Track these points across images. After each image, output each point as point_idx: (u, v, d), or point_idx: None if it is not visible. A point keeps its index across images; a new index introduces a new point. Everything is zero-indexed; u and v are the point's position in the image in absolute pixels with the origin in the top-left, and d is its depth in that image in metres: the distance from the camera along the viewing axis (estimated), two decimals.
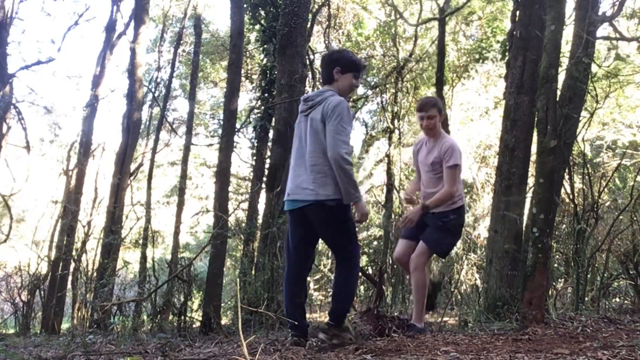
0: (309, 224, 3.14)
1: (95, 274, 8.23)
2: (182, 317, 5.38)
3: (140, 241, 10.96)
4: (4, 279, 9.42)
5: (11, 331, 8.41)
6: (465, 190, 12.44)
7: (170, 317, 5.88)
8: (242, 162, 15.34)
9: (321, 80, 3.36)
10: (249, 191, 11.71)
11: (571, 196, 5.95)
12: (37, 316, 9.08)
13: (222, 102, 9.71)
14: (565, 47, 5.68)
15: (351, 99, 16.14)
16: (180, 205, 12.55)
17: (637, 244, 4.82)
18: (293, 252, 3.24)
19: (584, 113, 5.59)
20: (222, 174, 6.57)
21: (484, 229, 10.57)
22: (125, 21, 12.76)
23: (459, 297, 9.62)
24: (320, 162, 3.03)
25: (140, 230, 12.27)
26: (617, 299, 5.76)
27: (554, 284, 4.98)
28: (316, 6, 11.14)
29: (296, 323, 3.11)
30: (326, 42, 12.56)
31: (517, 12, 5.81)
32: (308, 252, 3.28)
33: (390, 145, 12.96)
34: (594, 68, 5.74)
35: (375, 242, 13.60)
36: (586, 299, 4.90)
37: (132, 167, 12.36)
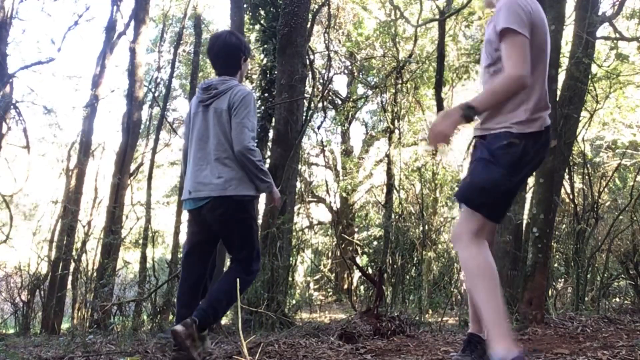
0: (209, 227, 2.87)
1: (95, 274, 8.23)
2: None
3: (140, 241, 10.96)
4: (4, 279, 9.43)
5: (11, 331, 8.41)
6: None
7: (170, 317, 5.88)
8: None
9: (217, 70, 3.01)
10: None
11: (571, 196, 5.95)
12: (37, 316, 9.07)
13: None
14: (565, 47, 5.67)
15: (351, 99, 16.16)
16: (180, 205, 12.55)
17: (637, 244, 4.83)
18: (191, 256, 2.93)
19: (584, 113, 5.59)
20: None
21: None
22: (125, 21, 12.76)
23: (459, 297, 9.61)
24: (230, 155, 2.79)
25: (140, 230, 12.27)
26: (617, 299, 5.76)
27: (554, 284, 4.98)
28: (316, 6, 11.14)
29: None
30: (326, 42, 12.56)
31: None
32: (206, 260, 2.95)
33: (390, 145, 12.96)
34: (594, 68, 5.74)
35: (375, 242, 13.60)
36: (586, 299, 4.90)
37: (132, 167, 12.37)
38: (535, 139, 2.02)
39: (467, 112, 1.95)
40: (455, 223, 2.41)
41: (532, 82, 2.02)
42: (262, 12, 10.71)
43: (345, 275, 14.33)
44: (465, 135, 12.57)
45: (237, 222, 2.84)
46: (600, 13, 5.11)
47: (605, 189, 7.17)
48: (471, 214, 2.02)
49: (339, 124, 16.65)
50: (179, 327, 2.53)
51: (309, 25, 9.47)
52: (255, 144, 2.83)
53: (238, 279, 2.47)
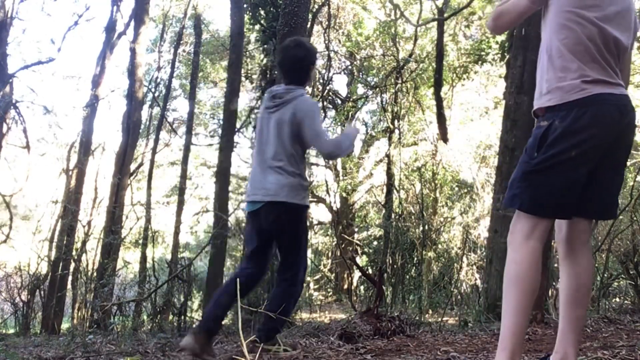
0: (265, 230, 2.91)
1: (95, 274, 8.23)
2: (182, 317, 5.38)
3: (140, 241, 10.96)
4: (4, 279, 9.42)
5: (11, 331, 8.41)
6: (465, 190, 12.46)
7: (170, 317, 5.88)
8: (242, 162, 15.36)
9: (284, 79, 3.06)
10: None
11: None
12: (37, 316, 9.07)
13: (222, 102, 9.71)
14: None
15: (351, 99, 16.16)
16: (180, 205, 12.57)
17: (637, 244, 4.83)
18: (251, 258, 2.97)
19: None
20: (222, 174, 6.58)
21: (484, 229, 10.57)
22: (125, 21, 12.77)
23: (459, 297, 9.61)
24: (285, 164, 2.86)
25: (140, 230, 12.27)
26: (617, 299, 5.76)
27: (554, 284, 4.97)
28: (316, 6, 11.14)
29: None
30: (326, 42, 12.56)
31: None
32: (263, 262, 2.99)
33: (390, 145, 12.96)
34: None
35: (375, 242, 13.60)
36: None
37: (132, 167, 12.37)
38: (560, 113, 1.77)
39: None
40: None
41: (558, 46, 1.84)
42: (262, 12, 10.71)
43: (345, 275, 14.33)
44: (465, 134, 12.59)
45: (286, 228, 2.89)
46: None
47: None
48: (516, 213, 1.84)
49: (339, 124, 16.66)
50: (185, 343, 2.63)
51: (309, 25, 9.47)
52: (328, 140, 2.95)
53: (284, 293, 2.83)
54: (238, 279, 2.52)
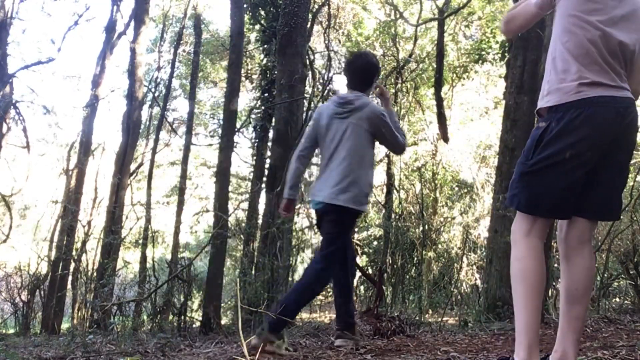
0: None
1: (95, 274, 8.23)
2: (182, 317, 5.38)
3: (140, 241, 10.97)
4: (4, 279, 9.43)
5: (11, 331, 8.41)
6: (465, 190, 12.46)
7: (170, 317, 5.88)
8: (242, 162, 15.36)
9: (349, 84, 3.24)
10: (249, 191, 11.71)
11: None
12: (37, 316, 9.08)
13: (222, 102, 9.71)
14: None
15: None
16: (180, 205, 12.56)
17: (637, 244, 4.83)
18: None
19: None
20: (222, 174, 6.57)
21: (484, 229, 10.57)
22: (125, 21, 12.77)
23: (459, 297, 9.62)
24: (353, 168, 2.99)
25: (140, 230, 12.28)
26: (617, 299, 5.76)
27: (554, 284, 4.97)
28: (316, 6, 11.13)
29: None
30: (326, 42, 12.56)
31: None
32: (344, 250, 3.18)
33: None
34: None
35: (375, 242, 13.59)
36: None
37: (132, 167, 12.37)
38: (557, 114, 1.79)
39: None
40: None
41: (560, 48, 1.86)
42: (262, 12, 10.72)
43: None
44: (465, 135, 12.60)
45: (335, 226, 3.02)
46: None
47: None
48: (517, 213, 1.89)
49: None
50: (255, 341, 2.75)
51: (309, 25, 9.48)
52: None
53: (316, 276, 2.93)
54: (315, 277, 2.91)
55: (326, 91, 12.27)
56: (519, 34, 5.35)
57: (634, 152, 1.92)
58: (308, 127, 3.36)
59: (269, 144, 9.34)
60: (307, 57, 8.94)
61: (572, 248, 1.88)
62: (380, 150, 16.12)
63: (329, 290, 15.69)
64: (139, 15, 10.67)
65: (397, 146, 3.19)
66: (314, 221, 3.36)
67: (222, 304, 7.24)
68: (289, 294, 3.03)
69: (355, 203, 2.95)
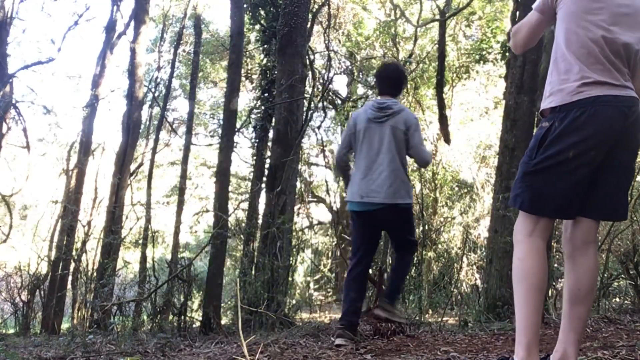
0: (379, 225, 3.41)
1: (95, 274, 8.23)
2: (182, 317, 5.38)
3: (140, 241, 10.96)
4: (4, 279, 9.43)
5: (11, 331, 8.41)
6: (465, 190, 12.45)
7: (170, 317, 5.88)
8: (242, 162, 15.36)
9: (382, 90, 3.48)
10: (249, 191, 11.71)
11: None
12: (37, 316, 9.08)
13: (222, 102, 9.71)
14: None
15: (351, 99, 16.16)
16: (180, 205, 12.55)
17: (637, 244, 4.83)
18: (362, 252, 3.43)
19: None
20: (222, 174, 6.57)
21: (484, 229, 10.57)
22: (125, 21, 12.77)
23: (459, 297, 9.61)
24: (398, 167, 3.27)
25: (140, 230, 12.27)
26: (617, 299, 5.76)
27: (554, 284, 4.97)
28: (316, 6, 11.13)
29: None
30: (326, 42, 12.56)
31: (517, 12, 5.82)
32: (373, 252, 3.53)
33: None
34: None
35: None
36: None
37: (132, 167, 12.37)
38: (560, 114, 1.78)
39: None
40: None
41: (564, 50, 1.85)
42: (262, 12, 10.72)
43: (345, 275, 14.31)
44: (465, 135, 12.60)
45: (404, 221, 3.40)
46: None
47: None
48: (520, 212, 1.90)
49: (339, 124, 16.64)
50: (380, 312, 3.30)
51: (309, 25, 9.47)
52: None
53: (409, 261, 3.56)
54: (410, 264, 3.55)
55: (326, 91, 12.26)
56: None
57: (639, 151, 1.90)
58: (344, 133, 3.57)
59: (269, 144, 9.34)
60: (307, 57, 8.93)
61: (577, 248, 1.87)
62: None
63: (329, 290, 15.67)
64: (139, 15, 10.67)
65: (423, 154, 3.40)
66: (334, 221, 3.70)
67: (222, 304, 7.23)
68: (396, 278, 3.51)
69: (410, 197, 3.31)
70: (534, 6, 1.98)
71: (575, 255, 1.87)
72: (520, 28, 2.05)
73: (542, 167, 1.79)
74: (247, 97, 14.87)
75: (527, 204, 1.83)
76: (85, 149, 11.94)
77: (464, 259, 10.26)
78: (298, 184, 10.27)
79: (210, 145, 16.96)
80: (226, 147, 6.54)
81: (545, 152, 1.78)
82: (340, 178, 3.61)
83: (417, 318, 4.55)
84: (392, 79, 3.47)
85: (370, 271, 3.98)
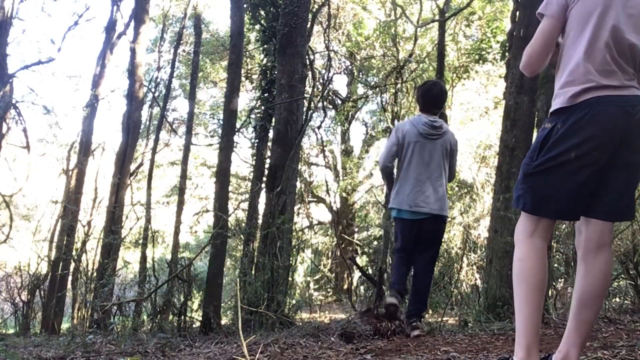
0: (420, 232, 3.66)
1: (95, 274, 8.23)
2: (182, 317, 5.38)
3: (140, 241, 10.96)
4: (4, 279, 9.43)
5: (11, 331, 8.42)
6: (465, 190, 12.45)
7: (170, 317, 5.88)
8: (242, 162, 15.36)
9: (427, 108, 3.75)
10: (249, 191, 11.71)
11: None
12: (37, 316, 9.08)
13: (222, 102, 9.71)
14: None
15: (351, 99, 16.17)
16: (180, 205, 12.55)
17: (637, 244, 4.83)
18: (408, 250, 3.70)
19: None
20: (222, 174, 6.57)
21: (484, 229, 10.57)
22: (125, 21, 12.77)
23: (459, 297, 9.61)
24: (444, 182, 3.65)
25: (140, 230, 12.26)
26: (617, 299, 5.76)
27: (554, 284, 4.97)
28: (316, 6, 11.13)
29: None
30: (326, 42, 12.56)
31: (517, 12, 5.82)
32: (414, 252, 3.75)
33: None
34: None
35: (375, 242, 13.60)
36: None
37: (132, 167, 12.37)
38: (563, 116, 1.77)
39: None
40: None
41: (567, 50, 1.84)
42: (262, 12, 10.71)
43: (345, 275, 14.33)
44: (465, 135, 12.59)
45: (440, 233, 3.76)
46: None
47: None
48: (521, 213, 1.89)
49: (339, 124, 16.65)
50: (417, 332, 3.39)
51: (309, 25, 9.47)
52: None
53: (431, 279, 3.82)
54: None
55: (326, 91, 12.26)
56: (520, 34, 5.35)
57: None
58: (390, 143, 3.78)
59: (269, 144, 9.33)
60: (307, 57, 8.94)
61: (591, 250, 1.84)
62: (380, 149, 16.12)
63: (329, 290, 15.66)
64: (139, 15, 10.67)
65: (454, 172, 3.87)
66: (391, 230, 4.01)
67: (222, 304, 7.23)
68: (420, 291, 3.67)
69: (448, 211, 3.74)
70: (546, 13, 1.88)
71: (589, 258, 1.84)
72: (532, 43, 1.91)
73: (543, 168, 1.78)
74: (247, 97, 14.88)
75: (529, 205, 1.82)
76: (85, 149, 11.94)
77: (464, 259, 10.26)
78: (298, 184, 10.27)
79: (210, 145, 16.96)
80: (226, 147, 6.54)
81: (547, 153, 1.77)
82: (385, 182, 3.97)
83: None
84: (438, 99, 3.78)
85: (370, 271, 4.05)
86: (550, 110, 1.86)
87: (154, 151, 13.00)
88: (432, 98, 3.74)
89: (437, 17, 9.45)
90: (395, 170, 3.81)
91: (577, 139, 1.73)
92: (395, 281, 3.67)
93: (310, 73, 10.39)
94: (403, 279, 3.71)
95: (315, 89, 10.96)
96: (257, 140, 10.87)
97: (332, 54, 12.92)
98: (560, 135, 1.75)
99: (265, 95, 10.50)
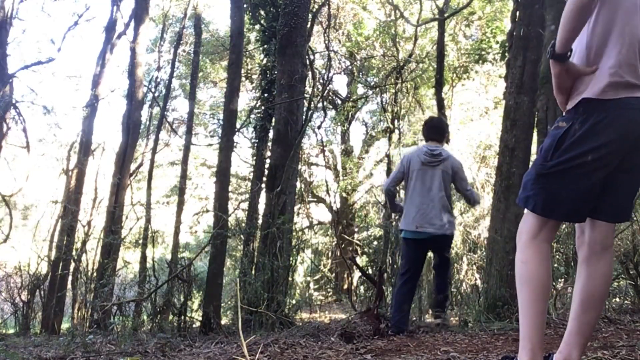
0: (427, 249, 4.13)
1: (95, 274, 8.23)
2: (182, 317, 5.38)
3: (140, 241, 10.96)
4: (4, 279, 9.43)
5: (11, 331, 8.41)
6: None
7: (170, 317, 5.88)
8: (242, 162, 15.36)
9: (429, 137, 4.21)
10: (249, 191, 11.71)
11: None
12: (37, 316, 9.07)
13: (222, 102, 9.71)
14: None
15: (351, 99, 16.17)
16: (180, 205, 12.55)
17: (637, 244, 4.83)
18: (412, 271, 4.03)
19: None
20: (222, 174, 6.57)
21: (484, 229, 10.57)
22: (125, 21, 12.76)
23: (459, 297, 9.61)
24: (446, 203, 4.03)
25: (140, 230, 12.27)
26: (617, 299, 5.76)
27: (554, 283, 4.97)
28: (316, 6, 11.13)
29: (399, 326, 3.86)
30: (326, 42, 12.56)
31: (517, 12, 5.82)
32: (419, 274, 4.18)
33: (390, 145, 12.96)
34: None
35: (375, 242, 13.59)
36: None
37: (132, 167, 12.37)
38: (581, 117, 1.68)
39: (550, 51, 1.72)
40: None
41: (595, 42, 1.71)
42: (262, 12, 10.72)
43: (345, 275, 14.33)
44: (465, 135, 12.59)
45: (447, 246, 4.24)
46: None
47: None
48: (526, 213, 1.82)
49: (339, 124, 16.65)
50: (440, 320, 3.98)
51: (309, 25, 9.48)
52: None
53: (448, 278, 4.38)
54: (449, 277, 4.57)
55: (326, 91, 12.26)
56: (520, 34, 5.34)
57: None
58: (396, 169, 4.26)
59: (269, 144, 9.33)
60: (307, 57, 8.94)
61: (595, 253, 1.81)
62: (380, 149, 16.14)
63: (329, 290, 15.65)
64: (139, 15, 10.67)
65: (475, 197, 4.26)
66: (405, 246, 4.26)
67: (222, 304, 7.23)
68: (440, 284, 4.21)
69: (454, 227, 4.12)
70: None
71: (592, 260, 1.81)
72: (565, 14, 1.69)
73: (559, 169, 1.71)
74: (247, 97, 14.88)
75: (540, 207, 1.76)
76: (85, 149, 11.94)
77: (464, 259, 10.26)
78: (298, 184, 10.27)
79: (210, 145, 16.96)
80: (226, 147, 6.54)
81: (563, 154, 1.70)
82: (388, 203, 4.50)
83: (417, 318, 4.56)
84: (438, 127, 4.26)
85: (370, 271, 4.11)
86: (576, 100, 1.73)
87: (154, 151, 13.00)
88: (432, 127, 4.25)
89: (436, 17, 9.45)
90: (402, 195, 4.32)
91: (596, 142, 1.67)
92: (396, 320, 3.86)
93: (310, 73, 10.39)
94: (404, 313, 3.90)
95: (315, 89, 10.97)
96: (257, 140, 10.87)
97: (332, 54, 12.92)
98: (578, 137, 1.68)
99: (265, 95, 10.50)
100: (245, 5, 9.00)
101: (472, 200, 4.28)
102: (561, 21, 1.69)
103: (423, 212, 3.97)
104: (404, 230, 4.07)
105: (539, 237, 1.77)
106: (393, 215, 11.07)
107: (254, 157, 10.86)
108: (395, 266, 8.22)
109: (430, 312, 4.17)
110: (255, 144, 10.95)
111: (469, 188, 4.24)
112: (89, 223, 12.81)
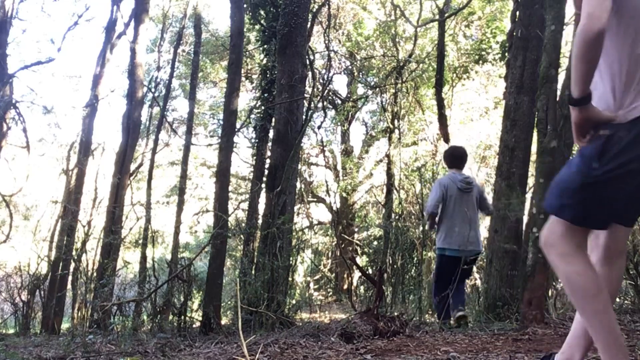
0: (459, 264, 4.54)
1: (95, 274, 8.23)
2: (182, 317, 5.38)
3: (140, 241, 10.96)
4: (4, 279, 9.43)
5: (11, 331, 8.41)
6: None
7: (170, 317, 5.88)
8: (242, 162, 15.37)
9: (454, 165, 4.93)
10: (249, 191, 11.71)
11: None
12: (37, 316, 9.08)
13: (222, 102, 9.71)
14: (565, 47, 5.67)
15: (351, 99, 16.17)
16: (180, 205, 12.55)
17: (637, 244, 4.83)
18: (445, 283, 4.57)
19: None
20: (222, 174, 6.56)
21: (484, 229, 10.56)
22: (125, 21, 12.76)
23: None
24: (479, 224, 4.83)
25: (140, 230, 12.27)
26: (617, 299, 5.76)
27: (554, 284, 4.97)
28: (316, 6, 11.13)
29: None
30: (326, 42, 12.56)
31: (517, 12, 5.82)
32: (450, 283, 4.62)
33: (390, 145, 12.96)
34: None
35: (375, 242, 13.58)
36: None
37: (132, 167, 12.37)
38: (628, 126, 1.60)
39: (569, 99, 1.65)
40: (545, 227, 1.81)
41: (625, 54, 1.63)
42: (262, 12, 10.71)
43: (345, 275, 14.33)
44: (465, 134, 12.60)
45: (476, 261, 5.06)
46: None
47: None
48: (556, 220, 1.72)
49: (339, 124, 16.65)
50: (461, 314, 4.42)
51: (309, 25, 9.47)
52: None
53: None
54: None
55: (326, 91, 12.25)
56: (520, 34, 5.34)
57: None
58: (436, 194, 4.78)
59: (269, 144, 9.33)
60: (307, 57, 8.93)
61: (611, 257, 1.77)
62: (380, 149, 16.14)
63: (329, 290, 15.65)
64: (139, 15, 10.67)
65: (491, 209, 5.02)
66: (438, 261, 4.89)
67: (222, 304, 7.23)
68: (460, 290, 4.63)
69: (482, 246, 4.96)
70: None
71: (606, 264, 1.77)
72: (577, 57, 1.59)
73: (608, 178, 1.62)
74: (247, 97, 14.88)
75: (582, 217, 1.66)
76: (85, 149, 11.94)
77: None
78: (298, 184, 10.27)
79: (210, 145, 16.96)
80: (226, 147, 6.54)
81: (610, 162, 1.61)
82: (428, 223, 5.02)
83: (417, 318, 4.56)
84: (462, 157, 4.95)
85: (370, 271, 4.15)
86: (621, 120, 1.64)
87: (154, 151, 12.99)
88: (457, 158, 4.93)
89: (436, 17, 9.45)
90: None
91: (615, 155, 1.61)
92: (441, 309, 4.55)
93: (310, 73, 10.38)
94: (443, 304, 4.52)
95: (315, 89, 10.97)
96: (257, 140, 10.87)
97: (332, 54, 12.92)
98: (627, 143, 1.60)
99: (265, 95, 10.50)
100: (245, 5, 9.00)
101: (490, 212, 5.04)
102: (572, 62, 1.62)
103: (463, 234, 4.63)
104: (446, 249, 4.70)
105: (583, 245, 1.70)
106: (392, 215, 11.09)
107: (254, 157, 10.86)
108: (395, 266, 8.23)
109: (452, 312, 4.53)
110: (255, 144, 10.95)
111: (491, 207, 5.03)
112: (89, 223, 12.81)
